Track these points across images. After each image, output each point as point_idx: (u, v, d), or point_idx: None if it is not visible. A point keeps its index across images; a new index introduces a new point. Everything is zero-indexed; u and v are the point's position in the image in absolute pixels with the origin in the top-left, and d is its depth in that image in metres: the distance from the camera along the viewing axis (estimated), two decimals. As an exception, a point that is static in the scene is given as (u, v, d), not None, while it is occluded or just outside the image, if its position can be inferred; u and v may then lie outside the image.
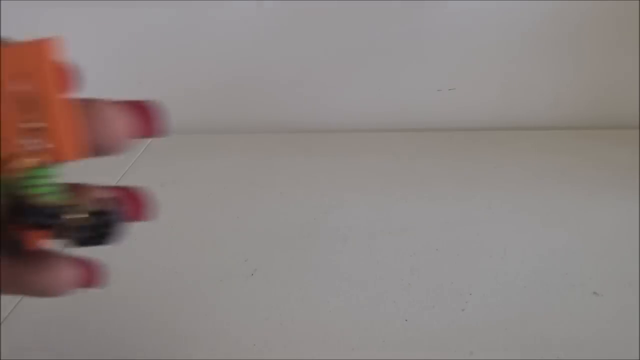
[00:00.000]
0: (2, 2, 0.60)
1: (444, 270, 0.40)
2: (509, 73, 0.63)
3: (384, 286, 0.38)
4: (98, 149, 0.20)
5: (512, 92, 0.64)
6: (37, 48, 0.19)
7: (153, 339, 0.35)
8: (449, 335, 0.34)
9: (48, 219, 0.20)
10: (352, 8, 0.59)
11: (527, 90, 0.64)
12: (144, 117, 0.21)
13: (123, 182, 0.54)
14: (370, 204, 0.49)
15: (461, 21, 0.60)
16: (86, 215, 0.20)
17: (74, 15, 0.60)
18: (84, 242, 0.20)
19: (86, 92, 0.22)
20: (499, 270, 0.40)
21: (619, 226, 0.45)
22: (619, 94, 0.63)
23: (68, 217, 0.20)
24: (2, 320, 0.39)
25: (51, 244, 0.21)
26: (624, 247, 0.42)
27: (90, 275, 0.23)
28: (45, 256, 0.22)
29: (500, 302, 0.37)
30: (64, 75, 0.19)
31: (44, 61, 0.19)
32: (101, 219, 0.20)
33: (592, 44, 0.61)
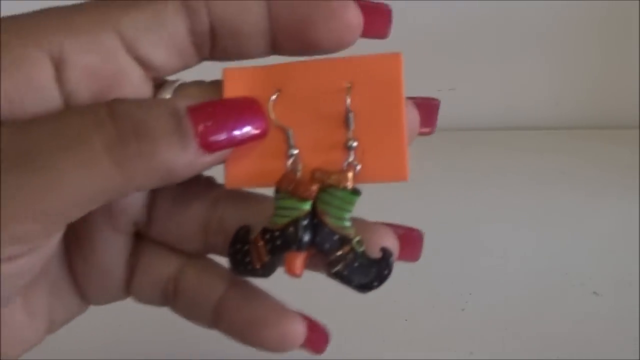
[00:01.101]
0: (1, 2, 0.60)
1: (444, 270, 0.40)
2: (509, 73, 0.63)
3: (384, 286, 0.38)
4: None
5: (512, 92, 0.64)
6: (390, 61, 0.19)
7: (153, 339, 0.35)
8: (449, 335, 0.34)
9: (332, 244, 0.19)
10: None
11: (527, 90, 0.64)
12: (429, 113, 0.20)
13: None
14: (369, 203, 0.49)
15: (461, 21, 0.60)
16: (363, 257, 0.19)
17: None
18: (346, 280, 0.19)
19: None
20: (499, 270, 0.40)
21: (619, 226, 0.45)
22: (619, 94, 0.63)
23: (346, 250, 0.19)
24: (2, 320, 0.39)
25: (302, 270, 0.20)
26: (623, 247, 0.42)
27: (317, 339, 0.22)
28: (277, 309, 0.22)
29: (500, 302, 0.37)
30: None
31: (397, 75, 0.19)
32: (375, 268, 0.19)
33: (592, 44, 0.61)
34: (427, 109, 0.20)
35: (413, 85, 0.66)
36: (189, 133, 0.17)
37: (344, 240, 0.19)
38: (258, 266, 0.19)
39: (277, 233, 0.19)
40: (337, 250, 0.19)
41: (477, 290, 0.38)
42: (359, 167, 0.19)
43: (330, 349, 0.35)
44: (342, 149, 0.19)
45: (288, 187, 0.19)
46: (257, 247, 0.19)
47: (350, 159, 0.19)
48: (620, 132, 0.61)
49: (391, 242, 0.20)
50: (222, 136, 0.18)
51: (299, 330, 0.21)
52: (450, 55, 0.62)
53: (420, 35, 0.61)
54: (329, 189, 0.18)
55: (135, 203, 0.22)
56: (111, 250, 0.22)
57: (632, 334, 0.34)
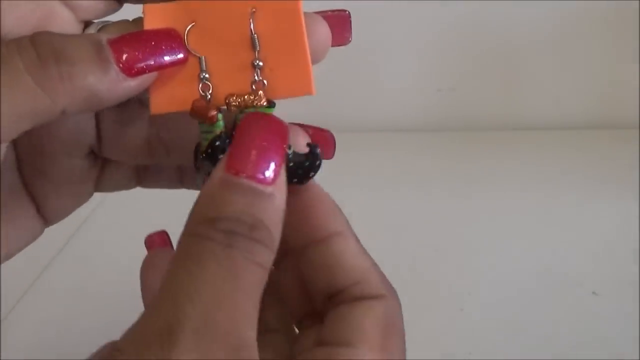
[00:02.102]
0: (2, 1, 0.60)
1: (443, 270, 0.40)
2: (510, 73, 0.63)
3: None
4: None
5: (512, 92, 0.64)
6: None
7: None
8: (448, 335, 0.34)
9: None
10: (352, 7, 0.59)
11: (527, 90, 0.64)
12: (341, 25, 0.22)
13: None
14: (369, 203, 0.49)
15: (462, 21, 0.60)
16: (294, 156, 0.20)
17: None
18: (287, 179, 0.20)
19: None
20: (499, 270, 0.40)
21: (619, 226, 0.45)
22: (619, 94, 0.63)
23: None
24: (2, 320, 0.40)
25: None
26: (623, 247, 0.42)
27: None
28: None
29: (499, 302, 0.37)
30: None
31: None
32: (308, 161, 0.21)
33: (593, 44, 0.61)
34: (338, 20, 0.22)
35: (413, 84, 0.66)
36: (110, 59, 0.19)
37: None
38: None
39: (203, 155, 0.21)
40: None
41: (476, 290, 0.38)
42: (266, 83, 0.20)
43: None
44: (250, 70, 0.20)
45: (198, 114, 0.20)
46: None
47: (256, 77, 0.20)
48: (620, 132, 0.61)
49: (305, 138, 0.22)
50: (142, 62, 0.19)
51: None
52: (450, 55, 0.62)
53: (421, 35, 0.61)
54: (247, 109, 0.20)
55: (85, 128, 0.23)
56: (73, 172, 0.24)
57: (632, 334, 0.34)
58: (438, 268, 0.40)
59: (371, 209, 0.49)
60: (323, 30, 0.21)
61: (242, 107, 0.20)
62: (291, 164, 0.20)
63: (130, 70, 0.19)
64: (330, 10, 0.22)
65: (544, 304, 0.37)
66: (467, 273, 0.40)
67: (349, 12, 0.22)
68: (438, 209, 0.48)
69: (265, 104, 0.20)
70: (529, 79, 0.63)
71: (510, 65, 0.63)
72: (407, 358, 0.34)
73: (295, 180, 0.21)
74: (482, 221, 0.46)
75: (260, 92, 0.20)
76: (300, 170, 0.21)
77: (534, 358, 0.33)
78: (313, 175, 0.21)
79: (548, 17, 0.60)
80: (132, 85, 0.19)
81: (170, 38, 0.20)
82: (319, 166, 0.21)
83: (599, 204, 0.48)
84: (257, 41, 0.20)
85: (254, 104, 0.20)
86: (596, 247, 0.43)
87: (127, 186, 0.25)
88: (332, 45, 0.22)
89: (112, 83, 0.19)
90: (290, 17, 0.20)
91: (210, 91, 0.21)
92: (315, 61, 0.21)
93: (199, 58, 0.21)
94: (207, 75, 0.21)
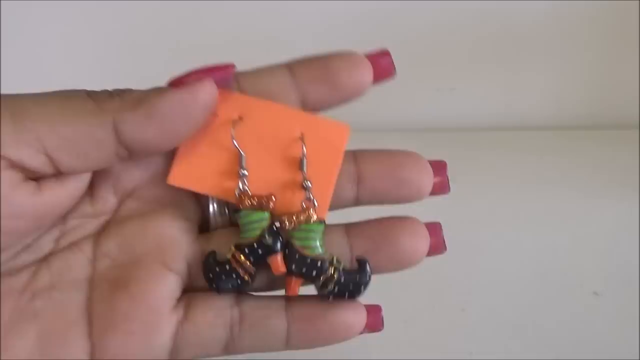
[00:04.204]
0: (2, 2, 0.59)
1: (443, 270, 0.40)
2: (509, 73, 0.63)
3: (384, 286, 0.38)
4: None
5: (512, 92, 0.64)
6: (339, 130, 0.24)
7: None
8: (449, 335, 0.34)
9: (318, 270, 0.21)
10: (352, 7, 0.59)
11: (527, 90, 0.64)
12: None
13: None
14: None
15: (462, 20, 0.60)
16: (345, 272, 0.22)
17: (75, 14, 0.60)
18: (338, 295, 0.22)
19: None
20: (499, 270, 0.40)
21: (619, 226, 0.45)
22: (619, 94, 0.63)
23: (332, 271, 0.22)
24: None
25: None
26: (623, 247, 0.42)
27: (374, 321, 0.23)
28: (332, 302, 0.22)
29: (500, 302, 0.37)
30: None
31: (341, 144, 0.23)
32: (358, 278, 0.22)
33: (593, 44, 0.61)
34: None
35: (414, 85, 0.66)
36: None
37: (328, 264, 0.22)
38: (247, 278, 0.21)
39: (255, 245, 0.21)
40: (324, 273, 0.21)
41: (477, 290, 0.38)
42: (317, 203, 0.22)
43: (329, 350, 0.34)
44: (296, 188, 0.22)
45: (251, 203, 0.21)
46: (240, 263, 0.21)
47: (310, 196, 0.22)
48: (620, 132, 0.61)
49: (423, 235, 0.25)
50: (190, 75, 0.20)
51: (359, 316, 0.23)
52: (450, 55, 0.62)
53: (421, 35, 0.61)
54: (301, 226, 0.22)
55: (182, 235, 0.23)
56: (162, 290, 0.22)
57: (632, 334, 0.34)
58: (438, 268, 0.40)
59: (370, 208, 0.48)
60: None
61: (296, 226, 0.22)
62: (342, 280, 0.22)
63: (179, 83, 0.20)
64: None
65: (544, 304, 0.37)
66: (468, 273, 0.40)
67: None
68: (437, 209, 0.48)
69: (317, 220, 0.22)
70: (529, 78, 0.63)
71: (509, 64, 0.63)
72: (407, 358, 0.34)
73: (347, 294, 0.22)
74: (481, 221, 0.46)
75: (312, 210, 0.22)
76: (352, 288, 0.22)
77: (535, 358, 0.33)
78: (363, 292, 0.22)
79: (548, 17, 0.60)
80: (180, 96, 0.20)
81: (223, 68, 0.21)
82: (369, 282, 0.22)
83: (599, 204, 0.48)
84: (305, 165, 0.22)
85: (310, 221, 0.22)
86: (597, 247, 0.43)
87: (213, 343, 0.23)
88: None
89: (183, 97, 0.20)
90: (330, 158, 0.22)
91: (246, 186, 0.22)
92: (347, 101, 0.24)
93: (240, 154, 0.22)
94: (246, 173, 0.22)
